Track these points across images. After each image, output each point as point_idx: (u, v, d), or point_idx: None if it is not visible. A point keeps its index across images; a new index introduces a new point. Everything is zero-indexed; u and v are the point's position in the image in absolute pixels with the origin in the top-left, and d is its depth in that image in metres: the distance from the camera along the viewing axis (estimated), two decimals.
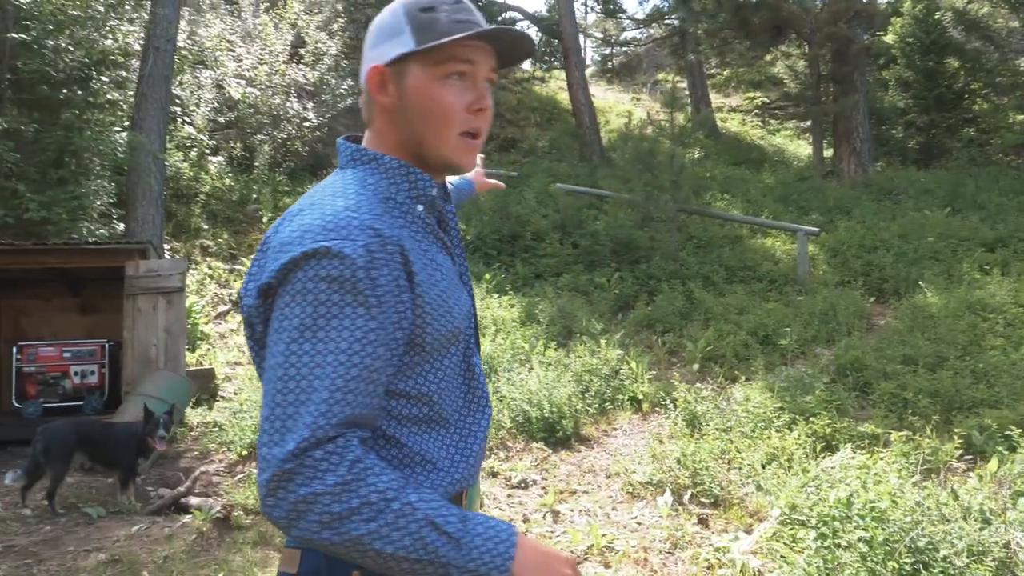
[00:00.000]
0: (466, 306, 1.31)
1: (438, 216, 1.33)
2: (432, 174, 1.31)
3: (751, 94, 23.89)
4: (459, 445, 1.30)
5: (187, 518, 4.83)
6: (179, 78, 12.93)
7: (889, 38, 18.64)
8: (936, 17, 18.08)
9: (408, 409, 1.23)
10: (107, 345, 7.36)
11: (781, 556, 3.58)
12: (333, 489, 1.04)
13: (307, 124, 14.38)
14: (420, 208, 1.28)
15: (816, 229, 10.44)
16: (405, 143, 1.29)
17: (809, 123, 18.08)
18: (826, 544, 3.39)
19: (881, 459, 4.45)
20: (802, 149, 19.52)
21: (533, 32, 25.59)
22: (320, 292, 1.10)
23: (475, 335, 1.38)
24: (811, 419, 5.40)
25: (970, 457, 4.88)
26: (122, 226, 9.94)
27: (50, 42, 8.45)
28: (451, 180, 2.09)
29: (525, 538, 1.15)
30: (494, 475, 5.44)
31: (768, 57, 20.16)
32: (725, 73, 25.46)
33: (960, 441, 4.73)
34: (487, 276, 9.87)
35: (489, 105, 1.29)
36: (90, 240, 8.05)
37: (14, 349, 7.20)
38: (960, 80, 17.85)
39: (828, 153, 16.86)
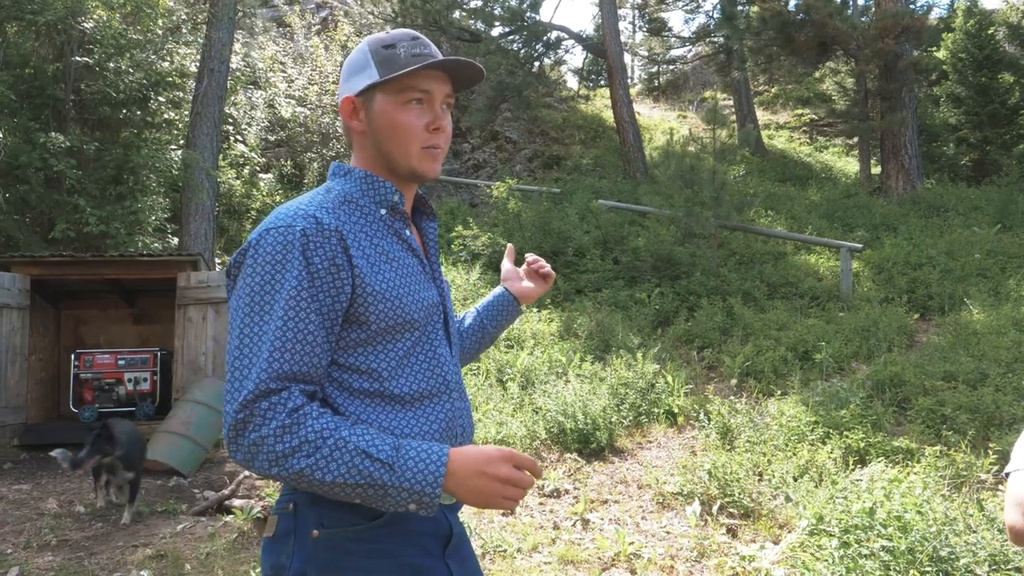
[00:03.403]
0: (427, 301, 1.49)
1: (404, 221, 1.53)
2: (401, 183, 1.54)
3: (799, 111, 23.67)
4: (411, 423, 1.45)
5: (229, 518, 5.01)
6: (232, 98, 13.39)
7: (941, 54, 18.34)
8: (989, 32, 17.78)
9: (357, 382, 1.42)
10: (159, 353, 7.65)
11: (803, 563, 3.60)
12: (276, 432, 1.26)
13: None
14: (383, 212, 1.49)
15: (860, 246, 10.33)
16: (376, 159, 1.52)
17: (857, 140, 17.88)
18: (849, 553, 3.40)
19: (914, 473, 4.44)
20: (850, 166, 19.28)
21: (579, 51, 25.80)
22: (263, 269, 1.34)
23: (445, 329, 1.56)
24: (845, 433, 5.39)
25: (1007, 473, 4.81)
26: (176, 240, 10.32)
27: (112, 65, 8.88)
28: (485, 305, 1.99)
29: (459, 454, 1.31)
30: None
31: (817, 74, 19.99)
32: (773, 90, 25.30)
33: (996, 457, 4.67)
34: None
35: (444, 125, 1.51)
36: (145, 253, 8.39)
37: (72, 356, 7.52)
38: (1014, 96, 17.48)
39: (877, 170, 16.65)
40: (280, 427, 1.27)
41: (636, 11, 29.70)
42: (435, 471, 1.28)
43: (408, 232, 1.52)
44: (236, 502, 5.37)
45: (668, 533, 4.66)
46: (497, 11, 17.96)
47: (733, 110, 21.48)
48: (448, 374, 1.51)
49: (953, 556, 3.15)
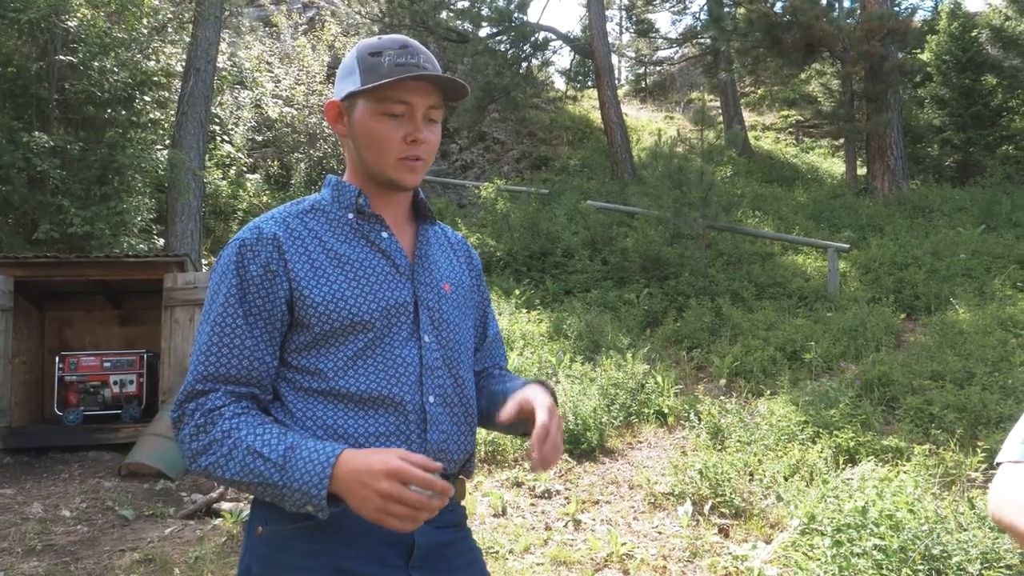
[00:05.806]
0: (389, 301, 1.47)
1: (376, 222, 1.53)
2: (382, 190, 1.55)
3: (785, 112, 23.79)
4: (359, 422, 1.43)
5: (218, 521, 4.97)
6: (219, 98, 13.30)
7: (925, 56, 18.47)
8: (973, 34, 17.92)
9: (305, 381, 1.44)
10: (145, 355, 7.57)
11: (796, 563, 3.60)
12: (192, 431, 1.36)
13: None
14: (351, 216, 1.52)
15: (847, 246, 10.39)
16: (358, 165, 1.54)
17: (843, 141, 17.98)
18: (841, 552, 3.41)
19: (904, 472, 4.45)
20: (836, 167, 19.39)
21: (566, 52, 25.80)
22: (213, 280, 1.46)
23: (415, 330, 1.50)
24: (835, 433, 5.40)
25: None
26: (162, 241, 10.24)
27: (96, 64, 8.79)
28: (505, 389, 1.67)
29: (350, 457, 1.27)
30: (518, 485, 5.51)
31: (803, 75, 20.09)
32: (759, 91, 25.39)
33: (984, 455, 4.70)
34: (516, 292, 9.96)
35: (424, 137, 1.48)
36: (130, 254, 8.31)
37: (57, 358, 7.43)
38: (997, 97, 17.63)
39: (863, 171, 16.75)
40: (196, 427, 1.36)
41: (623, 12, 29.77)
42: (320, 472, 1.27)
43: (385, 234, 1.51)
44: (225, 505, 5.33)
45: (660, 533, 4.65)
46: (484, 12, 17.95)
47: (720, 111, 21.54)
48: (408, 376, 1.46)
49: (945, 554, 3.16)
